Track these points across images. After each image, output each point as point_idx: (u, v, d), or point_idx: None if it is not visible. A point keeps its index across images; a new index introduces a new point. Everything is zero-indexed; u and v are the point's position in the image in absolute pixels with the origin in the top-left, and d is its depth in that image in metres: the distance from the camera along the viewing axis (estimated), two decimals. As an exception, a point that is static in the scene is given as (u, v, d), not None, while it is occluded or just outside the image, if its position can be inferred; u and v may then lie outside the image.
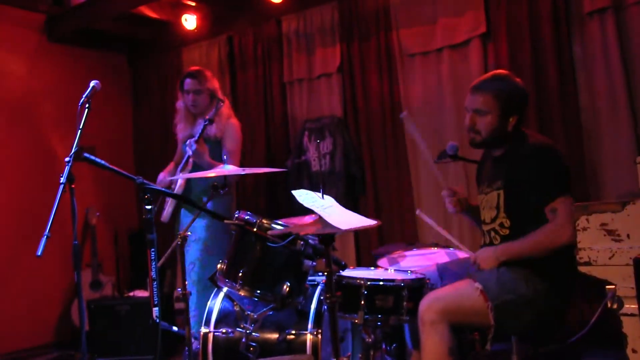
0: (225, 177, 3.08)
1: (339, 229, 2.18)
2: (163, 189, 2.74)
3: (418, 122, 4.56)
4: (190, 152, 3.72)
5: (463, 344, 2.70)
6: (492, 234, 2.65)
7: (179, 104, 4.13)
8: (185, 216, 4.04)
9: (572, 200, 2.44)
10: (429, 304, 2.43)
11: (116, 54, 6.23)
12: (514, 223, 2.56)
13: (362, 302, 2.64)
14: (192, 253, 3.81)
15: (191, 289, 3.69)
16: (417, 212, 3.10)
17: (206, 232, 3.85)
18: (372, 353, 2.86)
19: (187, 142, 3.78)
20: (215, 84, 4.04)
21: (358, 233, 4.77)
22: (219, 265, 2.78)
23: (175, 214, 4.04)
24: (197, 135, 3.73)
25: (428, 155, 2.98)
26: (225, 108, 4.00)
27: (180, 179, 3.86)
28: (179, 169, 3.86)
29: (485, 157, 2.89)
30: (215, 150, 3.92)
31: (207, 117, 3.71)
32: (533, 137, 2.64)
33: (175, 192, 3.88)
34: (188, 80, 3.99)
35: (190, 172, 3.83)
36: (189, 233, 2.86)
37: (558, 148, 2.62)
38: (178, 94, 4.14)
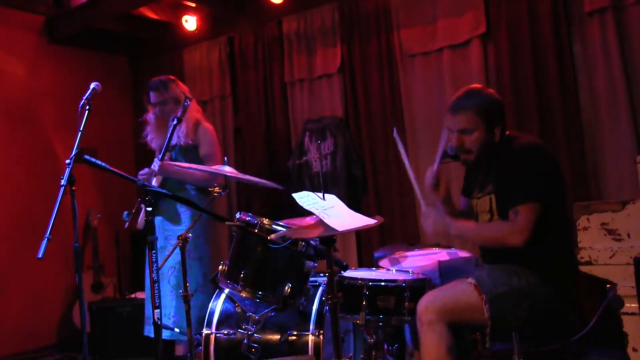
0: (226, 177, 3.08)
1: (335, 230, 2.18)
2: (164, 191, 2.74)
3: (418, 123, 4.57)
4: (155, 169, 3.70)
5: (465, 344, 2.70)
6: None
7: (149, 116, 4.10)
8: (161, 221, 3.93)
9: (538, 207, 2.41)
10: (426, 305, 2.43)
11: (117, 55, 6.24)
12: None
13: (364, 303, 2.64)
14: (172, 257, 3.67)
15: (170, 294, 3.71)
16: (395, 134, 2.98)
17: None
18: (374, 354, 2.86)
19: (153, 162, 3.78)
20: (175, 89, 3.95)
21: (360, 233, 4.77)
22: (220, 267, 2.78)
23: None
24: (166, 140, 3.70)
25: (412, 176, 2.86)
26: (194, 112, 3.95)
27: (155, 181, 3.80)
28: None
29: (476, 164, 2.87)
30: (194, 156, 3.89)
31: (175, 115, 3.69)
32: (520, 139, 2.63)
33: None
34: (152, 94, 3.98)
35: (160, 186, 3.81)
36: (190, 235, 2.86)
37: (544, 148, 2.59)
38: (148, 107, 4.11)
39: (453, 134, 2.63)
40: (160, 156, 3.71)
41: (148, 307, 3.83)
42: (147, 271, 3.90)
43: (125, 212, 3.70)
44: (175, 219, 3.85)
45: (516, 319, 2.49)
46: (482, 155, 2.62)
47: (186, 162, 3.83)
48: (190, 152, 3.87)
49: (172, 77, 4.05)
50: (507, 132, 2.67)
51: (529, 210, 2.41)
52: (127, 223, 3.75)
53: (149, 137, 4.13)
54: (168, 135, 3.67)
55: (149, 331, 3.80)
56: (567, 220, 2.53)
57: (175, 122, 3.65)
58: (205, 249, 3.91)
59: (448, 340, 2.39)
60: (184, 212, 3.84)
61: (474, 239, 2.61)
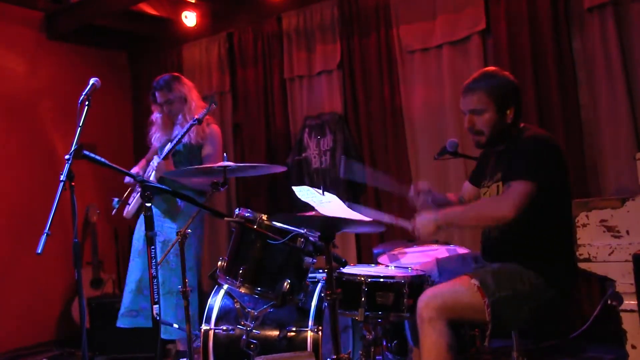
0: (225, 173, 3.07)
1: (327, 216, 2.18)
2: (163, 186, 2.73)
3: (418, 119, 4.57)
4: (154, 167, 3.73)
5: (464, 340, 2.70)
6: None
7: (154, 116, 4.07)
8: (155, 214, 3.93)
9: (532, 187, 2.40)
10: (426, 301, 2.43)
11: (116, 51, 6.23)
12: None
13: (363, 299, 2.63)
14: (159, 255, 3.59)
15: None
16: None
17: (176, 236, 3.79)
18: (372, 350, 2.86)
19: (153, 159, 3.83)
20: (181, 88, 3.94)
21: (358, 230, 4.78)
22: (219, 263, 2.78)
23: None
24: (177, 138, 3.60)
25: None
26: (201, 110, 3.82)
27: (152, 177, 3.77)
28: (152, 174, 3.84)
29: (487, 153, 2.89)
30: (196, 157, 3.91)
31: (197, 116, 3.55)
32: (532, 130, 2.65)
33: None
34: (157, 94, 3.95)
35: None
36: (189, 231, 2.86)
37: (554, 141, 2.60)
38: (152, 106, 4.07)
39: (465, 115, 2.66)
40: (163, 155, 3.68)
41: (127, 298, 3.83)
42: (131, 264, 3.93)
43: (116, 199, 3.72)
44: (166, 216, 3.86)
45: (517, 320, 2.49)
46: (494, 137, 2.63)
47: (189, 160, 3.86)
48: (195, 152, 3.90)
49: (175, 74, 4.05)
50: (522, 124, 2.67)
51: (521, 185, 2.41)
52: (115, 210, 3.78)
53: (153, 136, 4.11)
54: (181, 134, 3.60)
55: (124, 323, 3.81)
56: (571, 219, 2.52)
57: (194, 122, 3.54)
58: (198, 248, 3.89)
59: (448, 337, 2.38)
60: (178, 209, 3.85)
61: (463, 221, 2.59)
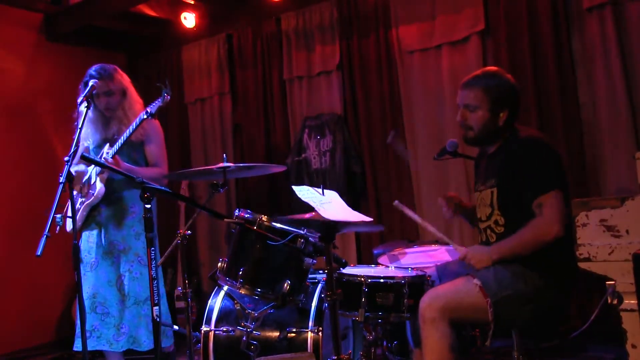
0: (225, 174, 3.06)
1: (325, 218, 2.19)
2: (164, 189, 2.72)
3: (417, 119, 4.57)
4: (109, 160, 3.32)
5: (465, 340, 2.70)
6: (488, 231, 2.66)
7: (84, 108, 3.34)
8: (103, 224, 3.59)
9: (561, 195, 2.43)
10: (429, 302, 2.43)
11: (115, 52, 6.21)
12: (508, 220, 2.56)
13: (363, 300, 2.64)
14: (122, 264, 3.50)
15: (119, 304, 3.44)
16: (396, 203, 2.95)
17: (137, 241, 3.53)
18: (373, 350, 2.87)
19: (101, 154, 3.46)
20: (122, 80, 3.58)
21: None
22: (219, 264, 2.78)
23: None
24: (130, 131, 3.31)
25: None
26: (140, 105, 3.58)
27: (99, 180, 3.49)
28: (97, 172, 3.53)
29: (481, 155, 2.89)
30: (138, 154, 3.61)
31: (149, 110, 3.25)
32: (524, 131, 2.65)
33: (96, 195, 3.50)
34: (95, 82, 3.41)
35: (107, 184, 3.51)
36: (189, 232, 2.86)
37: (549, 142, 2.60)
38: (79, 97, 3.42)
39: (459, 108, 2.68)
40: (112, 153, 3.36)
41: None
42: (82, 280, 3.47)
43: (59, 216, 3.41)
44: (121, 222, 3.55)
45: (519, 320, 2.50)
46: (483, 135, 2.64)
47: (130, 157, 3.57)
48: (136, 148, 3.59)
49: (114, 66, 3.67)
50: (516, 125, 2.67)
51: (553, 198, 2.42)
52: (59, 226, 3.54)
53: (81, 132, 3.39)
54: (132, 129, 3.31)
55: (78, 345, 3.40)
56: (570, 219, 2.51)
57: (147, 116, 3.26)
58: (158, 254, 3.57)
59: (450, 338, 2.39)
60: (132, 214, 3.58)
61: (515, 252, 2.50)
